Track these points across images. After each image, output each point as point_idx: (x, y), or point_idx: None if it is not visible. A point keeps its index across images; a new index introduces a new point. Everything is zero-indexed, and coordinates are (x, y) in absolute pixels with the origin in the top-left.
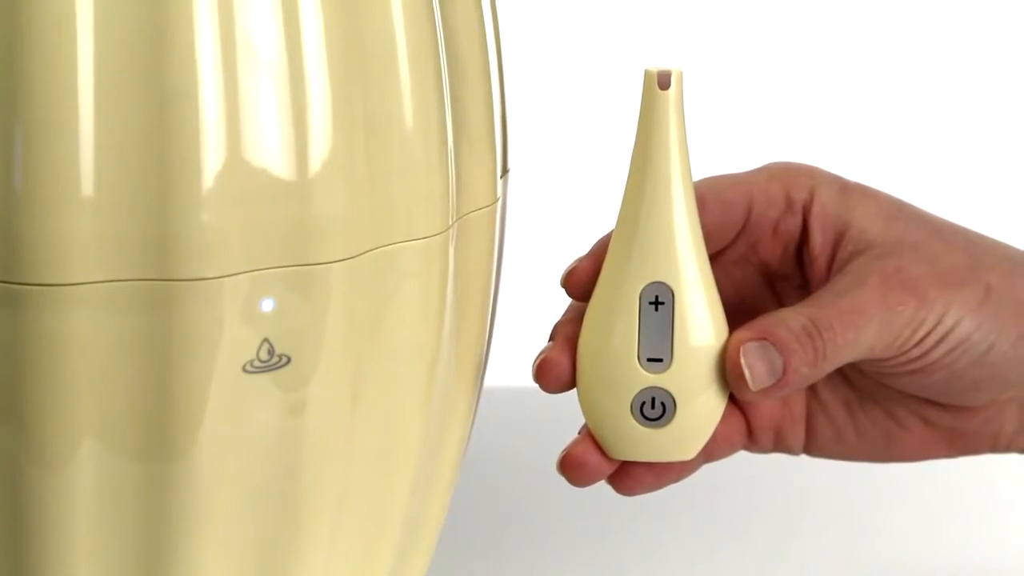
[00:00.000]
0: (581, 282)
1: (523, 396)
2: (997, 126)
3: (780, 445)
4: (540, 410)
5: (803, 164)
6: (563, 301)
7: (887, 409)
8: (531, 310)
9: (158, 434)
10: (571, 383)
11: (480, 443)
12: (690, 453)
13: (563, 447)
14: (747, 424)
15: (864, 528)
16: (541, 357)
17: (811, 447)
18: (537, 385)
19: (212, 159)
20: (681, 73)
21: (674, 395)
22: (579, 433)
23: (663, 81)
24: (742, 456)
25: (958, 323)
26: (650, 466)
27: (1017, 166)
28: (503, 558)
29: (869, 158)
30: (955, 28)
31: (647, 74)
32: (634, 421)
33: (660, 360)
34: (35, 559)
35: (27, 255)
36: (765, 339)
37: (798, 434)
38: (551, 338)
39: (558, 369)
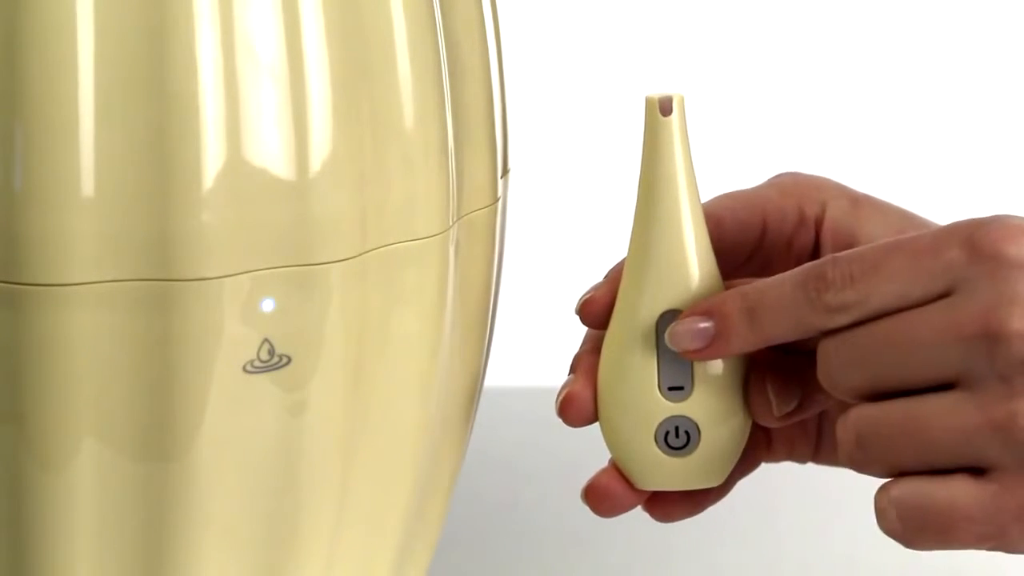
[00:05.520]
0: (597, 312)
1: (523, 396)
2: (1000, 133)
3: (792, 455)
4: (540, 410)
5: (813, 176)
6: (564, 303)
7: None
8: (532, 310)
9: (158, 434)
10: (595, 417)
11: (480, 443)
12: (718, 479)
13: (563, 447)
14: (769, 438)
15: (864, 528)
16: (564, 392)
17: (818, 457)
18: (560, 418)
19: (212, 159)
20: (683, 98)
21: (698, 423)
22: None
23: (665, 107)
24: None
25: None
26: (684, 492)
27: (1020, 171)
28: (503, 559)
29: (863, 173)
30: (954, 36)
31: (648, 101)
32: (659, 451)
33: (681, 388)
34: (35, 559)
35: (27, 255)
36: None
37: (808, 446)
38: (571, 370)
39: (581, 403)
